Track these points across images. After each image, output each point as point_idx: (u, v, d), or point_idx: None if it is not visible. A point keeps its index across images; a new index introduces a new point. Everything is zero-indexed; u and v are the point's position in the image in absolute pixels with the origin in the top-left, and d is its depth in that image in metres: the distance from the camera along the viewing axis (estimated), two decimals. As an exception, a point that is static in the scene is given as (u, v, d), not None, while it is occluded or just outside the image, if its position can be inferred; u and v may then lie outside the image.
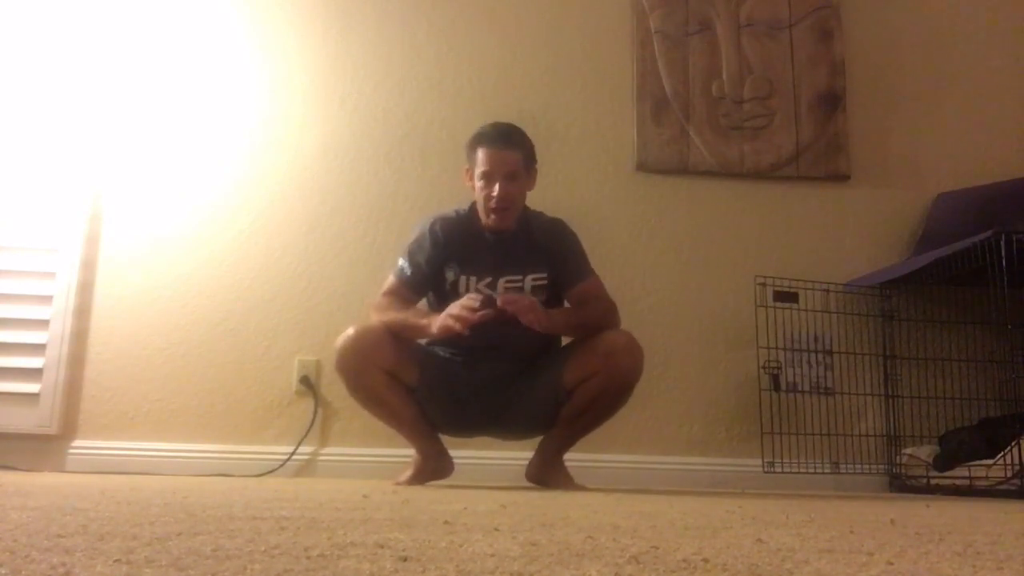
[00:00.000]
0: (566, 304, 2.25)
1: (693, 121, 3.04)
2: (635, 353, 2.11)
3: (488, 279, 2.19)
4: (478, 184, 2.18)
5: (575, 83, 3.07)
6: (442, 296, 2.21)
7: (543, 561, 0.67)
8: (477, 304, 2.00)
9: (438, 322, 2.04)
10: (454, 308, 2.02)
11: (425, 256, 2.20)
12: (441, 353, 2.22)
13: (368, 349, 2.10)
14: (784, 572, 0.65)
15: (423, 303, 2.27)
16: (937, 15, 3.25)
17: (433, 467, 2.24)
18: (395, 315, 2.15)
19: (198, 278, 2.86)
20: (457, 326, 1.98)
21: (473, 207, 2.27)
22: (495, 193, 2.14)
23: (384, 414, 2.21)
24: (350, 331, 2.12)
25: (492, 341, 2.12)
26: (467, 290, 2.18)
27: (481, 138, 2.20)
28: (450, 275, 2.21)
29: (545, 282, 2.21)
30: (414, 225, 2.33)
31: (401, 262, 2.23)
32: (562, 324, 2.17)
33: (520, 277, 2.20)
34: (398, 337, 2.14)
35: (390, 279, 2.25)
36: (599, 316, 2.19)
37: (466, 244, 2.22)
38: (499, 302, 2.03)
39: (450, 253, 2.21)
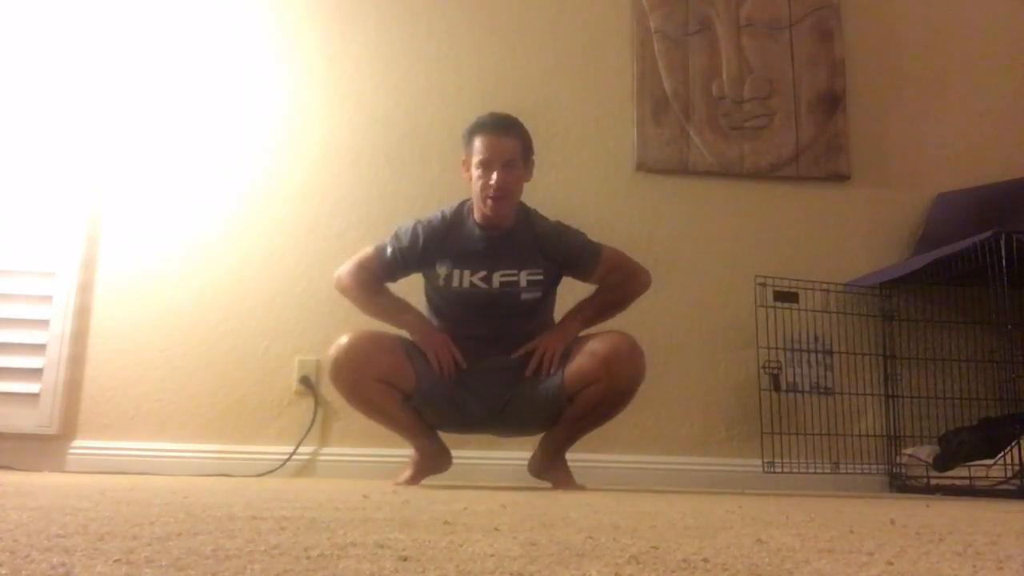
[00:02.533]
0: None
1: (693, 121, 3.04)
2: (637, 360, 2.10)
3: (482, 272, 2.17)
4: (475, 173, 2.14)
5: (575, 83, 3.07)
6: (437, 290, 2.21)
7: (543, 561, 0.67)
8: (453, 370, 2.15)
9: (416, 337, 2.17)
10: (442, 356, 2.14)
11: (402, 252, 2.20)
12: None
13: (362, 360, 2.09)
14: (784, 572, 0.65)
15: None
16: (937, 15, 3.25)
17: (432, 463, 2.24)
18: (384, 300, 2.24)
19: (198, 278, 2.85)
20: (439, 369, 2.13)
21: (461, 205, 2.25)
22: (492, 181, 2.10)
23: (382, 419, 2.21)
24: (343, 341, 2.11)
25: (488, 334, 2.12)
26: (461, 283, 2.17)
27: (478, 126, 2.17)
28: (443, 270, 2.18)
29: (541, 278, 2.20)
30: (402, 222, 2.31)
31: (386, 245, 2.22)
32: (577, 329, 2.21)
33: (515, 271, 2.18)
34: (373, 316, 2.25)
35: (368, 252, 2.24)
36: (616, 294, 2.25)
37: (457, 240, 2.19)
38: (528, 373, 2.15)
39: (438, 252, 2.19)
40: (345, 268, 2.25)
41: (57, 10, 2.97)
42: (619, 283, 2.25)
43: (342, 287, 2.26)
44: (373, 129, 3.00)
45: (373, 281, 2.23)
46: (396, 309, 2.24)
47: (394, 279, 2.26)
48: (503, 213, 2.16)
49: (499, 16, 3.10)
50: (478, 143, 2.14)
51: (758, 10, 3.14)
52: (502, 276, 2.17)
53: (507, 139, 2.15)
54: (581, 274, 2.26)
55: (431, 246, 2.19)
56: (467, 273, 2.17)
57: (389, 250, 2.21)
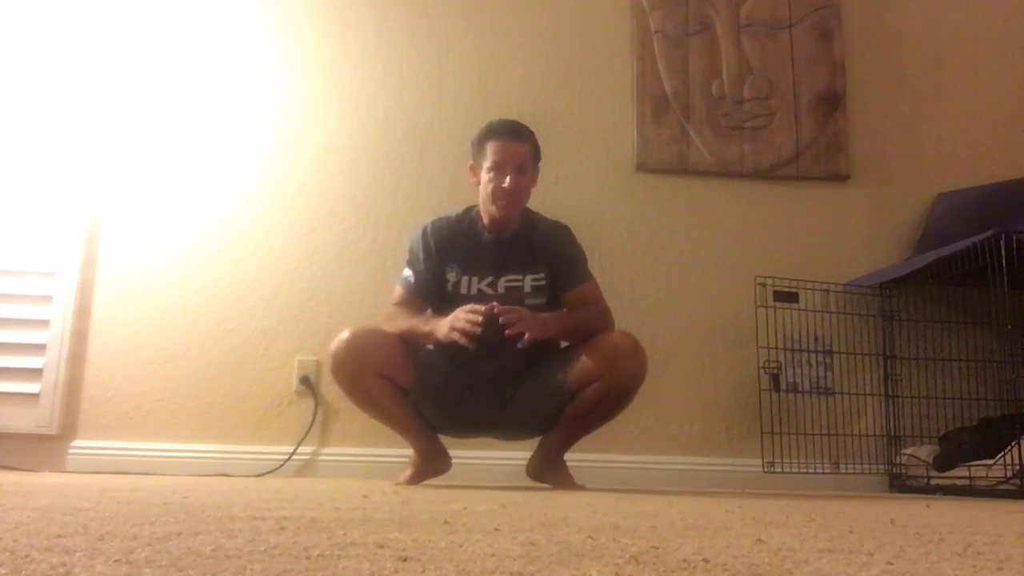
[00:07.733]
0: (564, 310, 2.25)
1: (693, 121, 3.04)
2: (639, 358, 2.09)
3: (489, 279, 2.19)
4: (486, 177, 2.17)
5: (575, 83, 3.07)
6: (444, 298, 2.21)
7: (543, 561, 0.67)
8: (480, 319, 1.99)
9: (442, 330, 2.04)
10: (458, 320, 2.01)
11: (423, 261, 2.21)
12: (440, 354, 2.21)
13: (362, 353, 2.09)
14: (784, 572, 0.65)
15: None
16: (937, 15, 3.25)
17: (432, 466, 2.24)
18: (403, 323, 2.16)
19: (198, 278, 2.85)
20: (463, 341, 1.98)
21: (468, 209, 2.26)
22: (505, 184, 2.12)
23: (381, 416, 2.21)
24: (344, 335, 2.11)
25: (492, 340, 2.12)
26: (468, 290, 2.19)
27: (492, 131, 2.20)
28: (451, 276, 2.21)
29: (544, 283, 2.21)
30: (409, 233, 2.32)
31: (405, 271, 2.24)
32: (556, 329, 2.16)
33: (520, 277, 2.20)
34: (408, 344, 2.14)
35: (397, 290, 2.25)
36: (593, 321, 2.19)
37: (465, 245, 2.22)
38: (496, 312, 2.00)
39: (448, 255, 2.21)
40: (384, 319, 2.21)
41: (57, 11, 2.97)
42: (590, 314, 2.21)
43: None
44: (373, 129, 3.00)
45: (410, 311, 2.18)
46: (423, 322, 2.19)
47: (429, 295, 2.21)
48: (511, 214, 2.19)
49: (499, 16, 3.10)
50: (491, 147, 2.17)
51: (758, 10, 3.14)
52: (507, 282, 2.19)
53: (520, 144, 2.18)
54: (563, 280, 2.22)
55: (443, 246, 2.21)
56: (475, 280, 2.19)
57: (411, 273, 2.21)
